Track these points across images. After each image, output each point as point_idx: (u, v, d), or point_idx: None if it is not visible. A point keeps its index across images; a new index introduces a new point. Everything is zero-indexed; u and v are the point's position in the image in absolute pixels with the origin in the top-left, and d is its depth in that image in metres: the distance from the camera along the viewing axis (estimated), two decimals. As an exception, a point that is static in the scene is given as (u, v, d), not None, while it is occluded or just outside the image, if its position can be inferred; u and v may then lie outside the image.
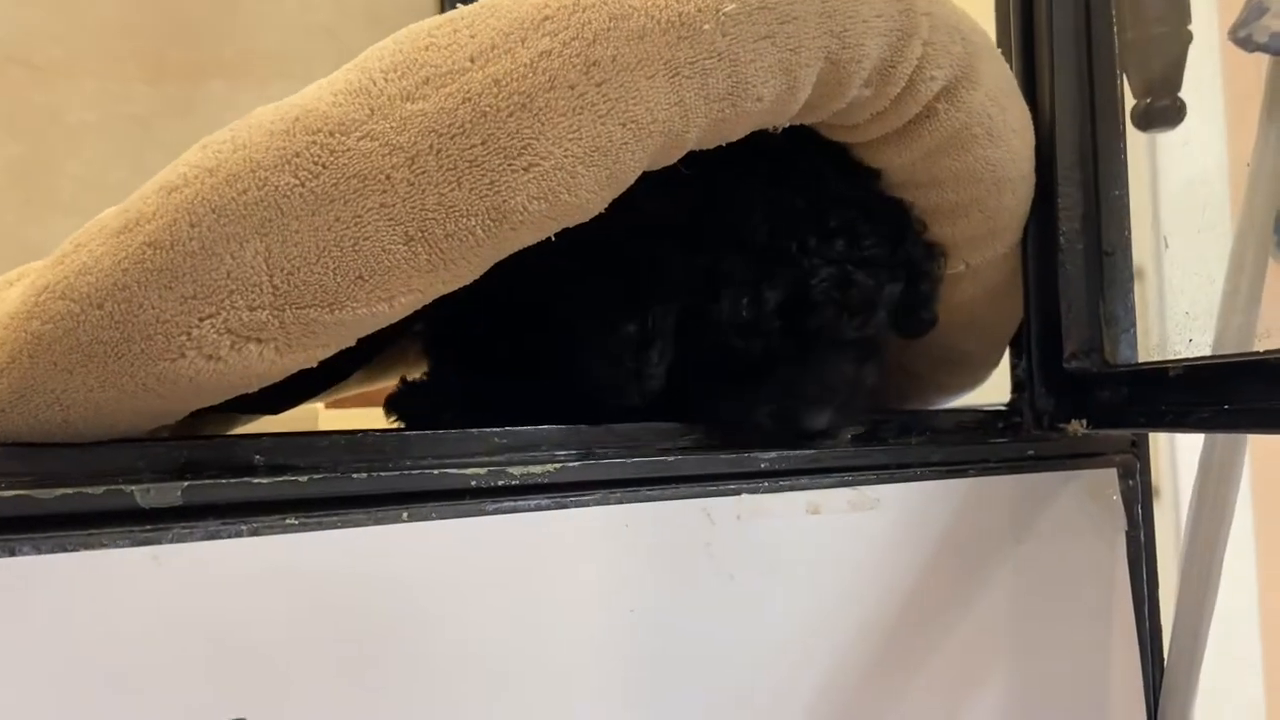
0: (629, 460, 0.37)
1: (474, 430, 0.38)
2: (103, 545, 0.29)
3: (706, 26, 0.31)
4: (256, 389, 0.33)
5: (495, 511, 0.34)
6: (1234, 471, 0.40)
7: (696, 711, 0.36)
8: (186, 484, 0.31)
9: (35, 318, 0.29)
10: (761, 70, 0.32)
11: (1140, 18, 0.43)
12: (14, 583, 0.28)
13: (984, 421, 0.48)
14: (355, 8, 1.53)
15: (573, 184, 0.31)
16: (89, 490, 0.30)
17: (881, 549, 0.40)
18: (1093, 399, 0.41)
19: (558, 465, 0.36)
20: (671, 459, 0.38)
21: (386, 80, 0.30)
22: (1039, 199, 0.43)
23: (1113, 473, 0.44)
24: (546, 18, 0.30)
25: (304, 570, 0.31)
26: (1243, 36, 0.43)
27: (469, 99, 0.30)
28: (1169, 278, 0.43)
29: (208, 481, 0.31)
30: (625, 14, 0.30)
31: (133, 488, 0.30)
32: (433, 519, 0.34)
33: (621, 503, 0.36)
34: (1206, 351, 0.39)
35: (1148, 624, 0.46)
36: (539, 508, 0.35)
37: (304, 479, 0.32)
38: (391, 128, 0.29)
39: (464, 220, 0.30)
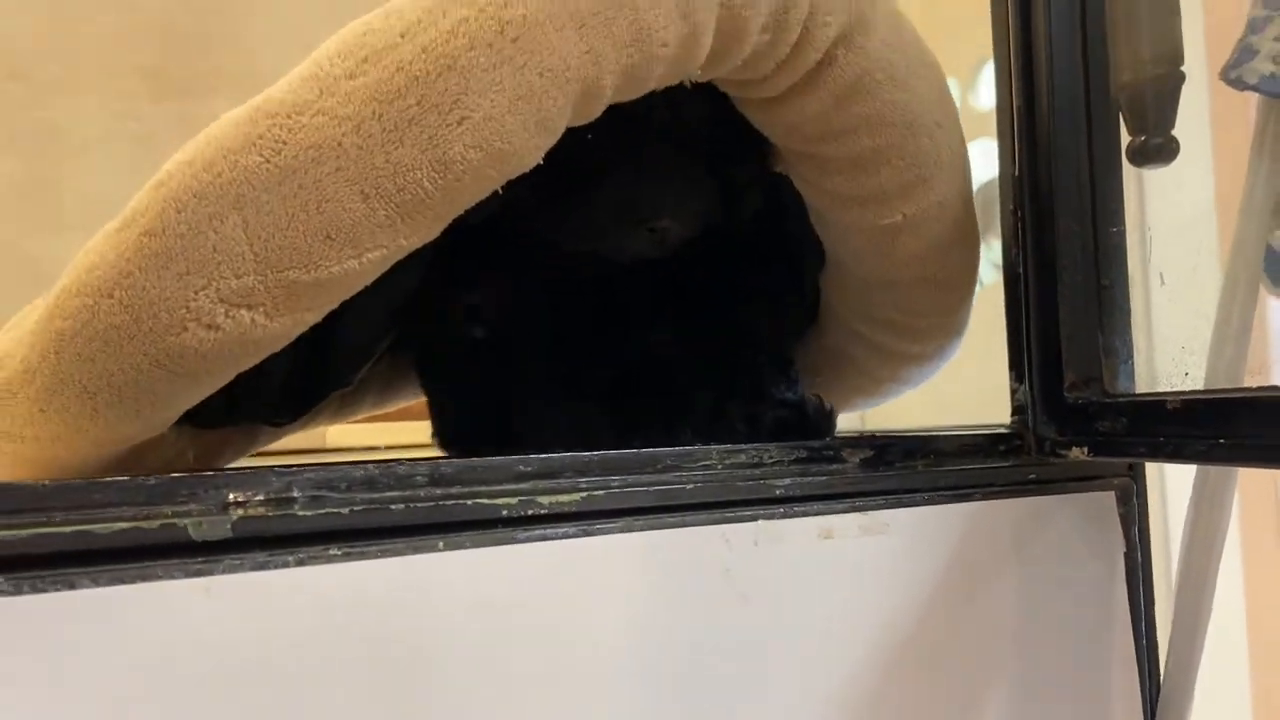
0: (650, 489, 0.39)
1: (498, 459, 0.39)
2: (158, 577, 0.31)
3: None
4: (256, 359, 0.36)
5: (526, 540, 0.36)
6: (1226, 498, 0.42)
7: (717, 730, 0.38)
8: (236, 517, 0.32)
9: (56, 316, 0.33)
10: (661, 16, 0.36)
11: (1135, 60, 0.45)
12: (73, 615, 0.30)
13: (984, 445, 0.49)
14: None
15: (503, 131, 0.34)
16: (144, 525, 0.31)
17: (891, 571, 0.41)
18: (1093, 428, 0.43)
19: (583, 494, 0.38)
20: (690, 487, 0.40)
21: (332, 64, 0.34)
22: (1040, 234, 0.45)
23: (1111, 496, 0.46)
24: None
25: (347, 599, 0.33)
26: (1234, 77, 0.45)
27: (401, 68, 0.34)
28: (1166, 313, 0.45)
29: (255, 514, 0.33)
30: None
31: (185, 521, 0.32)
32: (467, 548, 0.35)
33: (645, 530, 0.38)
34: (1201, 385, 0.41)
35: (1144, 641, 0.47)
36: (567, 535, 0.37)
37: (345, 510, 0.34)
38: (338, 102, 0.33)
39: (411, 174, 0.34)
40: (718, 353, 0.54)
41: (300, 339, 0.39)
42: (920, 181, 0.45)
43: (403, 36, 0.34)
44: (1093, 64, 0.45)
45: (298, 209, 0.33)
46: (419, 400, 0.66)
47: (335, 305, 0.36)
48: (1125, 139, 0.46)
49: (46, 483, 0.32)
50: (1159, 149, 0.44)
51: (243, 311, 0.34)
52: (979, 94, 0.99)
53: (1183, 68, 0.46)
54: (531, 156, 0.36)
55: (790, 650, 0.39)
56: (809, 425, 0.54)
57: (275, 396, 0.53)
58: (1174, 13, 0.44)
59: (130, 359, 0.33)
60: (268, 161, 0.33)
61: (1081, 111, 0.45)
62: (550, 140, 0.36)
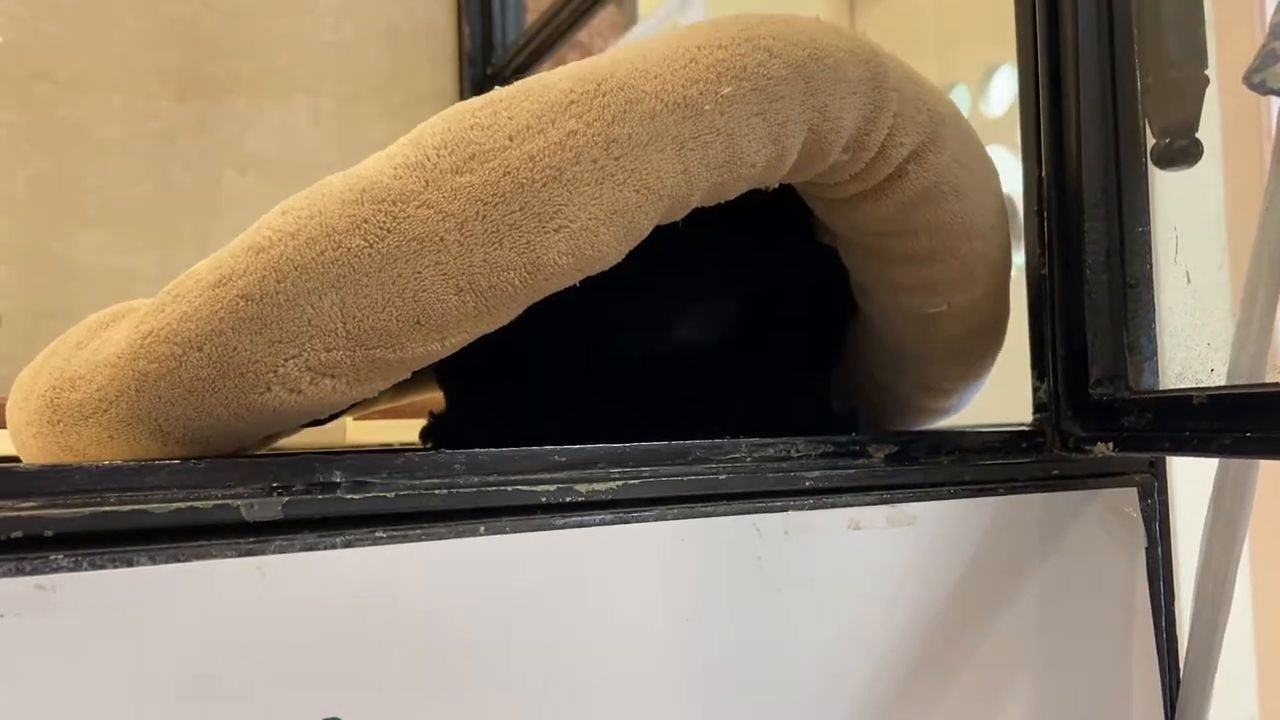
0: (683, 478, 0.40)
1: (535, 449, 0.40)
2: (212, 556, 0.32)
3: (707, 107, 0.36)
4: (324, 415, 0.38)
5: (563, 526, 0.37)
6: (1247, 493, 0.42)
7: (746, 713, 0.39)
8: (287, 499, 0.33)
9: (141, 358, 0.33)
10: (754, 141, 0.38)
11: (1160, 63, 0.46)
12: (131, 591, 0.31)
13: (1008, 441, 0.50)
14: (373, 27, 1.56)
15: (596, 241, 0.36)
16: (199, 505, 0.32)
17: (917, 563, 0.42)
18: (1118, 424, 0.43)
19: (619, 483, 0.38)
20: (722, 477, 0.40)
21: (439, 156, 0.35)
22: (1065, 234, 0.46)
23: (1133, 491, 0.47)
24: (573, 101, 0.36)
25: (391, 580, 0.34)
26: (1257, 82, 0.45)
27: (509, 173, 0.35)
28: (1191, 310, 0.45)
29: (305, 497, 0.34)
30: (638, 98, 0.36)
31: (239, 502, 0.32)
32: (507, 533, 0.36)
33: (678, 518, 0.39)
34: (1224, 382, 0.41)
35: (1164, 636, 0.48)
36: (603, 523, 0.38)
37: (391, 495, 0.35)
38: (444, 197, 0.34)
39: (505, 274, 0.35)
40: (748, 365, 0.55)
41: None
42: (969, 278, 0.47)
43: (511, 139, 0.35)
44: (1119, 66, 0.46)
45: (394, 295, 0.34)
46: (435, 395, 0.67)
47: (408, 375, 0.37)
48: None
49: (102, 464, 0.33)
50: (1183, 151, 0.45)
51: (326, 380, 0.35)
52: (989, 101, 0.99)
53: (1207, 70, 0.46)
54: (614, 259, 0.37)
55: (819, 637, 0.40)
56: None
57: None
58: (1199, 15, 0.45)
59: (210, 409, 0.34)
60: (371, 247, 0.33)
61: (1108, 113, 0.46)
62: (633, 245, 0.38)
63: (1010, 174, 1.00)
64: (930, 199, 0.44)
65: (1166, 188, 0.46)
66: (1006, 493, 0.45)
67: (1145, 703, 0.46)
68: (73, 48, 1.33)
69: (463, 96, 1.59)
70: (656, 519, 0.38)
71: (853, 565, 0.41)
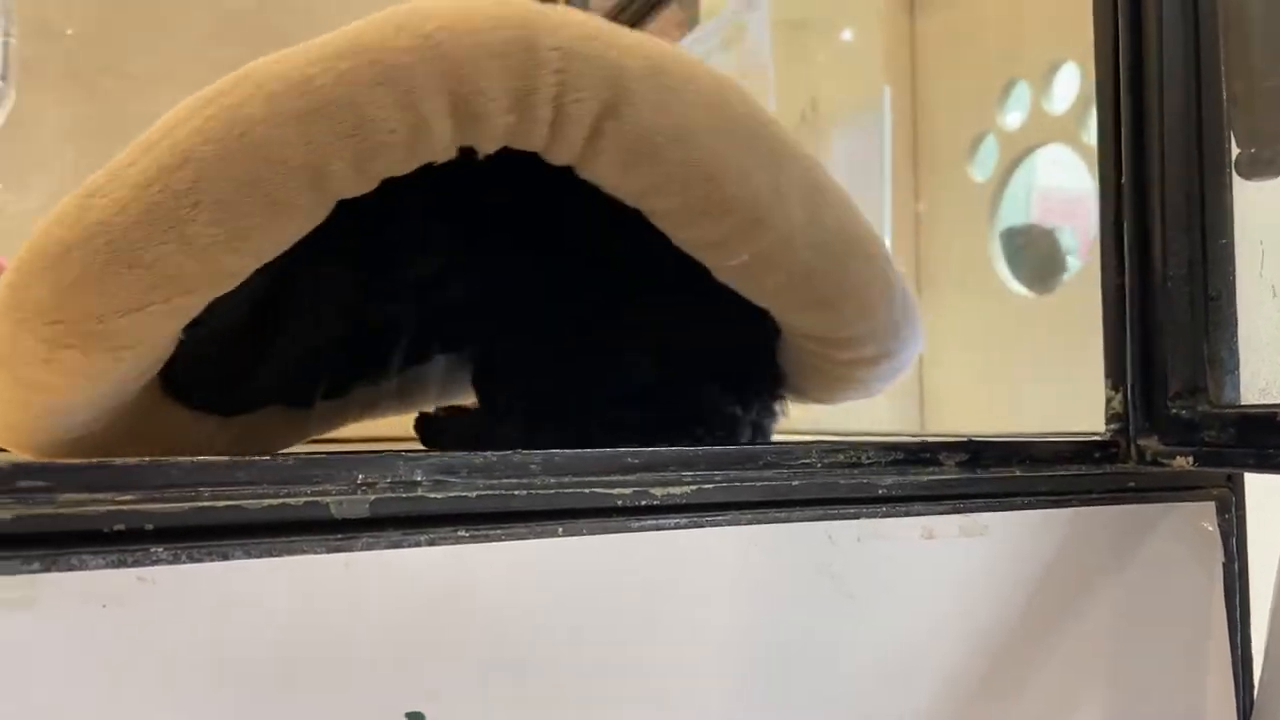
0: (756, 483, 0.40)
1: (607, 450, 0.41)
2: (302, 551, 0.33)
3: (321, 81, 0.38)
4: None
5: (639, 529, 0.37)
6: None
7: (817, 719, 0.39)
8: (374, 498, 0.34)
9: None
10: (382, 109, 0.39)
11: (1247, 71, 0.45)
12: (226, 584, 0.32)
13: (1080, 452, 0.50)
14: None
15: (235, 212, 0.38)
16: (291, 501, 0.33)
17: (991, 574, 0.42)
18: (1198, 438, 0.43)
19: (693, 487, 0.39)
20: (795, 483, 0.41)
21: (126, 155, 0.38)
22: (1145, 244, 0.45)
23: (1210, 506, 0.46)
24: (220, 92, 0.38)
25: (474, 579, 0.35)
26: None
27: (156, 159, 0.38)
28: (1276, 325, 0.44)
29: (390, 495, 0.34)
30: (263, 82, 0.38)
31: (328, 499, 0.33)
32: (584, 534, 0.37)
33: (751, 523, 0.39)
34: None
35: (1239, 654, 0.47)
36: (677, 526, 0.38)
37: (472, 494, 0.35)
38: (115, 186, 0.38)
39: (161, 248, 0.38)
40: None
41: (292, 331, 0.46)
42: (752, 224, 0.45)
43: (164, 135, 0.38)
44: (1203, 71, 0.45)
45: (88, 277, 0.38)
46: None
47: (148, 340, 0.40)
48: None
49: (197, 460, 0.34)
50: (1270, 161, 0.44)
51: (64, 350, 0.38)
52: (1052, 98, 0.98)
53: (1296, 79, 0.45)
54: (266, 227, 0.40)
55: (891, 647, 0.40)
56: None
57: (273, 382, 0.57)
58: (1289, 22, 0.44)
59: None
60: (66, 233, 0.38)
61: (1191, 120, 0.45)
62: (297, 216, 0.40)
63: (1074, 171, 0.99)
64: (645, 154, 0.43)
65: (1251, 199, 0.45)
66: (1081, 504, 0.44)
67: (1219, 717, 0.46)
68: (142, 43, 1.36)
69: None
70: (730, 523, 0.39)
71: (926, 574, 0.41)
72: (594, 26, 0.42)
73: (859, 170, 1.03)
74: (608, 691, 0.36)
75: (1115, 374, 0.51)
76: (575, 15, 0.42)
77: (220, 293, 0.41)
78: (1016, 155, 1.02)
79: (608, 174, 0.45)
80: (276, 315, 0.55)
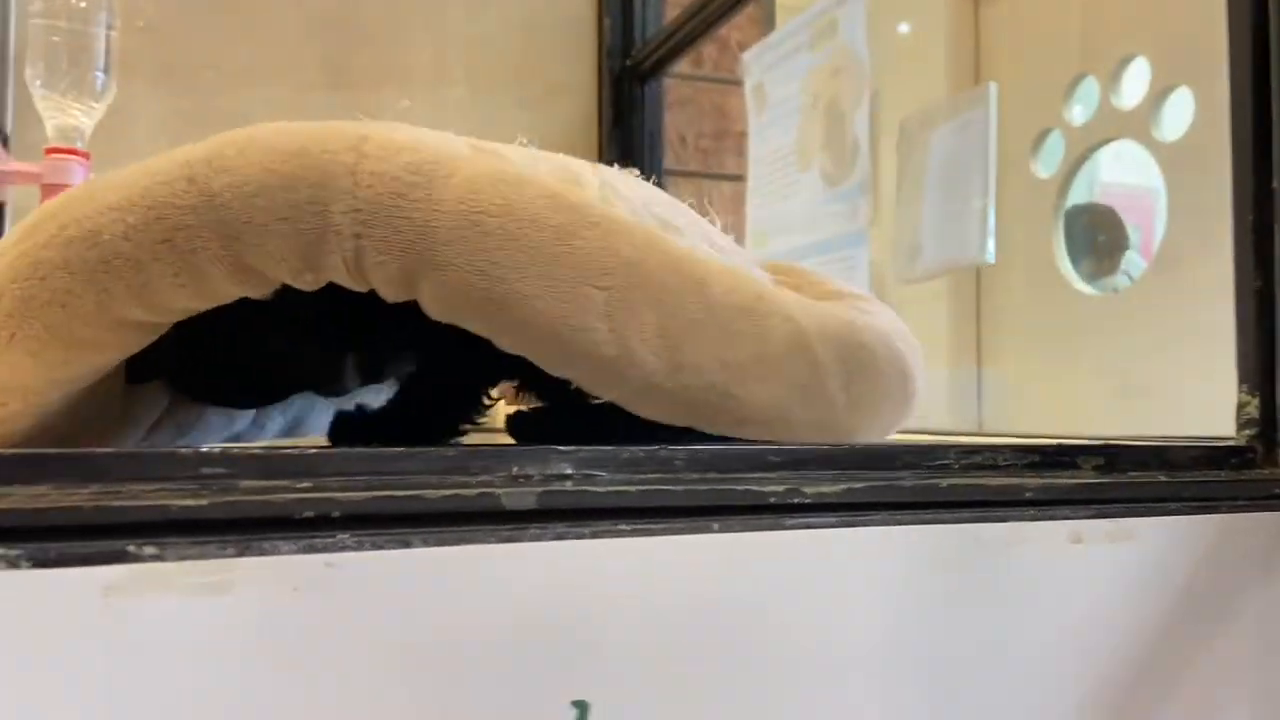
0: (907, 484, 0.40)
1: (750, 447, 0.41)
2: (476, 541, 0.33)
3: (106, 236, 0.38)
4: None
5: (792, 526, 0.38)
6: None
7: (963, 723, 0.39)
8: (540, 490, 0.35)
9: None
10: (166, 267, 0.38)
11: None
12: (406, 571, 0.32)
13: (1214, 456, 0.49)
14: (514, 18, 1.59)
15: (47, 344, 0.39)
16: (464, 492, 0.34)
17: (1138, 579, 0.42)
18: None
19: (844, 486, 0.39)
20: (944, 484, 0.41)
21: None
22: (1266, 246, 0.44)
23: (1359, 515, 0.45)
24: (35, 225, 0.39)
25: (635, 572, 0.35)
26: None
27: None
28: None
29: (556, 488, 0.35)
30: (65, 225, 0.39)
31: (500, 491, 0.34)
32: (737, 531, 0.37)
33: (901, 524, 0.39)
34: None
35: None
36: (828, 525, 0.38)
37: (633, 489, 0.36)
38: None
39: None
40: None
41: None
42: (601, 375, 0.43)
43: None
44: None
45: None
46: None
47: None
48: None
49: (370, 450, 0.35)
50: None
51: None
52: (1121, 94, 0.97)
53: None
54: (92, 362, 0.41)
55: (1039, 651, 0.40)
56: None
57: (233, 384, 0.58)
58: None
59: None
60: None
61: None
62: (106, 350, 0.41)
63: (1140, 167, 0.97)
64: (468, 311, 0.41)
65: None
66: (1228, 510, 0.44)
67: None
68: (238, 40, 1.39)
69: (600, 88, 1.61)
70: (881, 524, 0.39)
71: (1073, 579, 0.40)
72: (406, 181, 0.39)
73: (956, 171, 1.02)
74: (765, 688, 0.36)
75: (1251, 379, 0.50)
76: (391, 161, 0.39)
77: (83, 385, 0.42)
78: (1082, 151, 1.00)
79: (442, 318, 0.42)
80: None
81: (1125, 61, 0.95)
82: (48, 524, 0.29)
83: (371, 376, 0.64)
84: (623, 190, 0.47)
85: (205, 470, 0.33)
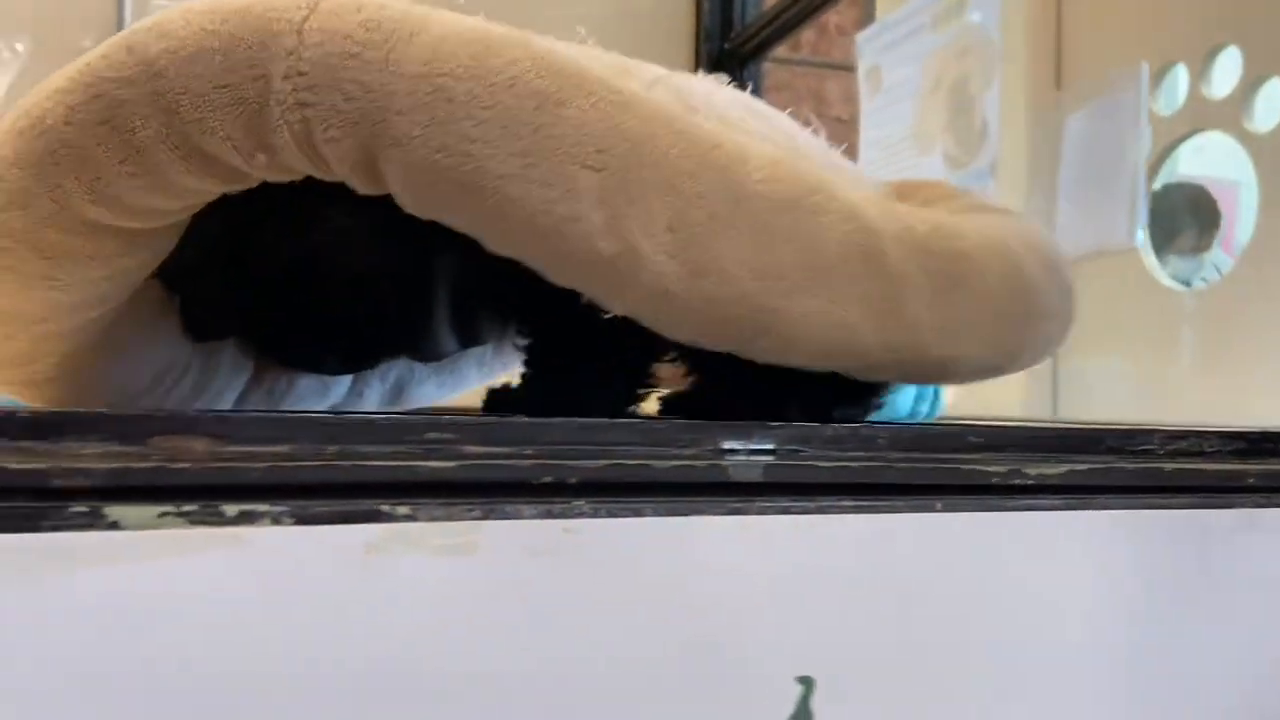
0: (1129, 467, 0.38)
1: (950, 427, 0.40)
2: (703, 512, 0.33)
3: (50, 121, 0.34)
4: None
5: (1014, 509, 0.36)
6: None
7: (1186, 715, 0.37)
8: (766, 462, 0.34)
9: None
10: (110, 151, 0.34)
11: None
12: (638, 540, 0.32)
13: None
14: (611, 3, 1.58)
15: (24, 259, 0.36)
16: (694, 464, 0.33)
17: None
18: None
19: (1067, 468, 0.38)
20: (1168, 468, 0.39)
21: None
22: None
23: None
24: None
25: (859, 546, 0.34)
26: None
27: None
28: None
29: (781, 462, 0.34)
30: (19, 115, 0.35)
31: (727, 462, 0.34)
32: (961, 510, 0.36)
33: (1124, 508, 0.38)
34: None
35: None
36: (1050, 508, 0.37)
37: (857, 465, 0.35)
38: None
39: None
40: None
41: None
42: (604, 278, 0.37)
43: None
44: None
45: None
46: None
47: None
48: None
49: (578, 420, 0.34)
50: None
51: None
52: (1211, 83, 0.94)
53: None
54: (75, 272, 0.37)
55: (1265, 648, 0.38)
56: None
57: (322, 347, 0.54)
58: None
59: None
60: None
61: None
62: (80, 257, 0.37)
63: (1220, 159, 0.94)
64: (436, 202, 0.35)
65: None
66: None
67: None
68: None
69: (697, 71, 1.60)
70: (1102, 508, 0.37)
71: (1306, 571, 0.39)
72: (359, 40, 0.33)
73: (1101, 154, 0.99)
74: (992, 672, 0.35)
75: None
76: (344, 18, 0.33)
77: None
78: (1169, 142, 0.98)
79: (407, 201, 0.36)
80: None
81: (1215, 50, 0.93)
82: (299, 482, 0.30)
83: (468, 339, 0.61)
84: (686, 88, 0.42)
85: (431, 435, 0.33)
